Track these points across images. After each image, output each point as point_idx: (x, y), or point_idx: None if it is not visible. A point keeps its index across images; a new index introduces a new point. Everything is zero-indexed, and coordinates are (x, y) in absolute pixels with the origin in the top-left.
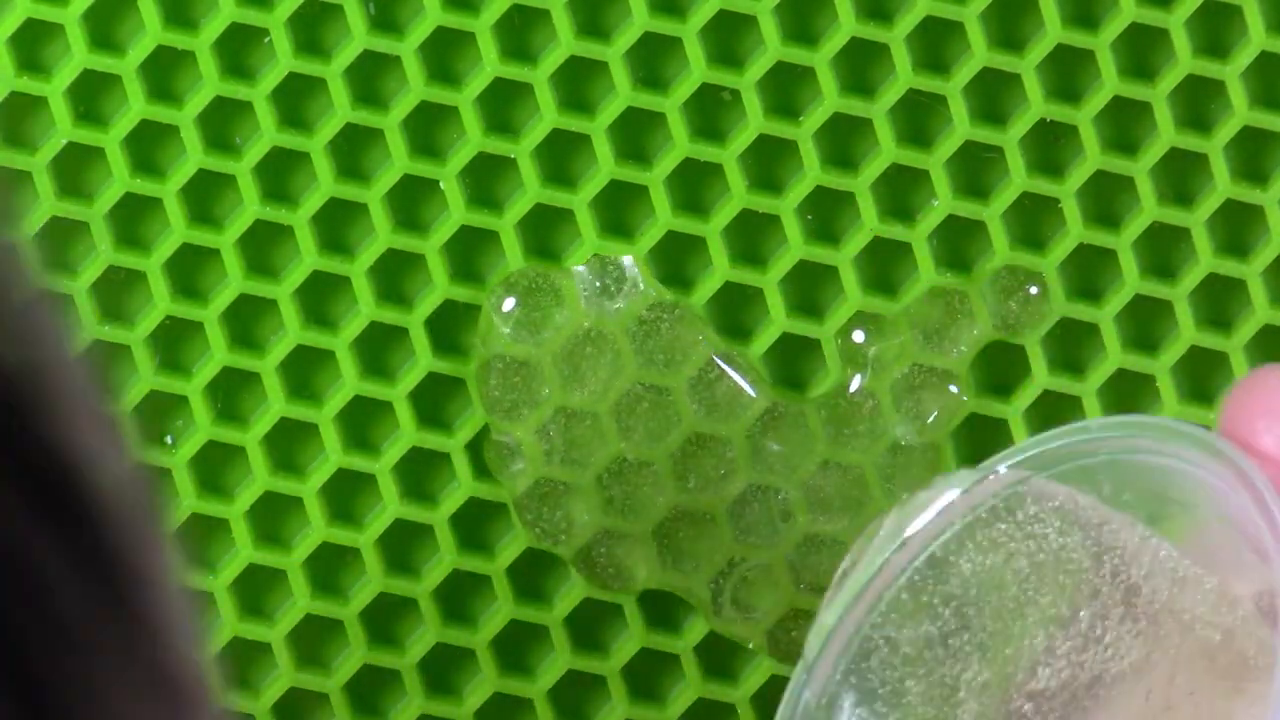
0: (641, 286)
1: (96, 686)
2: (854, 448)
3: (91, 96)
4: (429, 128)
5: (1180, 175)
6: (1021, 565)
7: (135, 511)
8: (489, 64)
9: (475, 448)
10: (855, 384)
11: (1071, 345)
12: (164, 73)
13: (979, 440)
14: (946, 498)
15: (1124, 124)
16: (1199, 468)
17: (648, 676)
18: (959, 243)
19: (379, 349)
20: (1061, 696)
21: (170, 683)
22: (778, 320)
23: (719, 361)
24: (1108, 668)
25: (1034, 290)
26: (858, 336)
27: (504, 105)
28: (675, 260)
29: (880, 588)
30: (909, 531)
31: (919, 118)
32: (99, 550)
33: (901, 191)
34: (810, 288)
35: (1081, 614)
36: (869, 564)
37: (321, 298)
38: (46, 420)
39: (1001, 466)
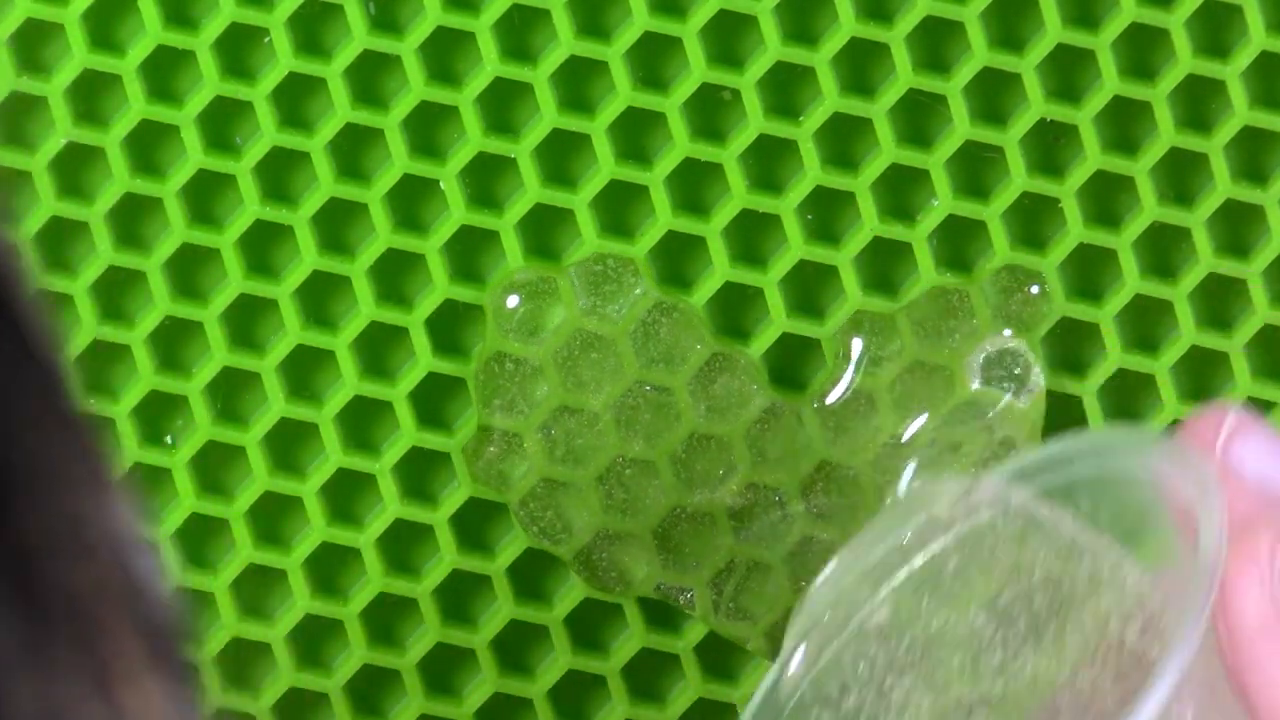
0: (641, 287)
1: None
2: (852, 448)
3: (91, 96)
4: (429, 128)
5: (1180, 175)
6: (995, 580)
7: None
8: (489, 64)
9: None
10: (843, 386)
11: (1071, 345)
12: (164, 73)
13: None
14: (928, 510)
15: (1124, 124)
16: (1165, 479)
17: (648, 676)
18: (959, 243)
19: (379, 349)
20: (1013, 701)
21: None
22: (778, 320)
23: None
24: (1058, 684)
25: (1034, 290)
26: (856, 336)
27: (504, 105)
28: (675, 260)
29: (861, 597)
30: (890, 543)
31: (919, 118)
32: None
33: (901, 191)
34: (810, 288)
35: (1048, 629)
36: (848, 569)
37: (321, 298)
38: None
39: (990, 481)
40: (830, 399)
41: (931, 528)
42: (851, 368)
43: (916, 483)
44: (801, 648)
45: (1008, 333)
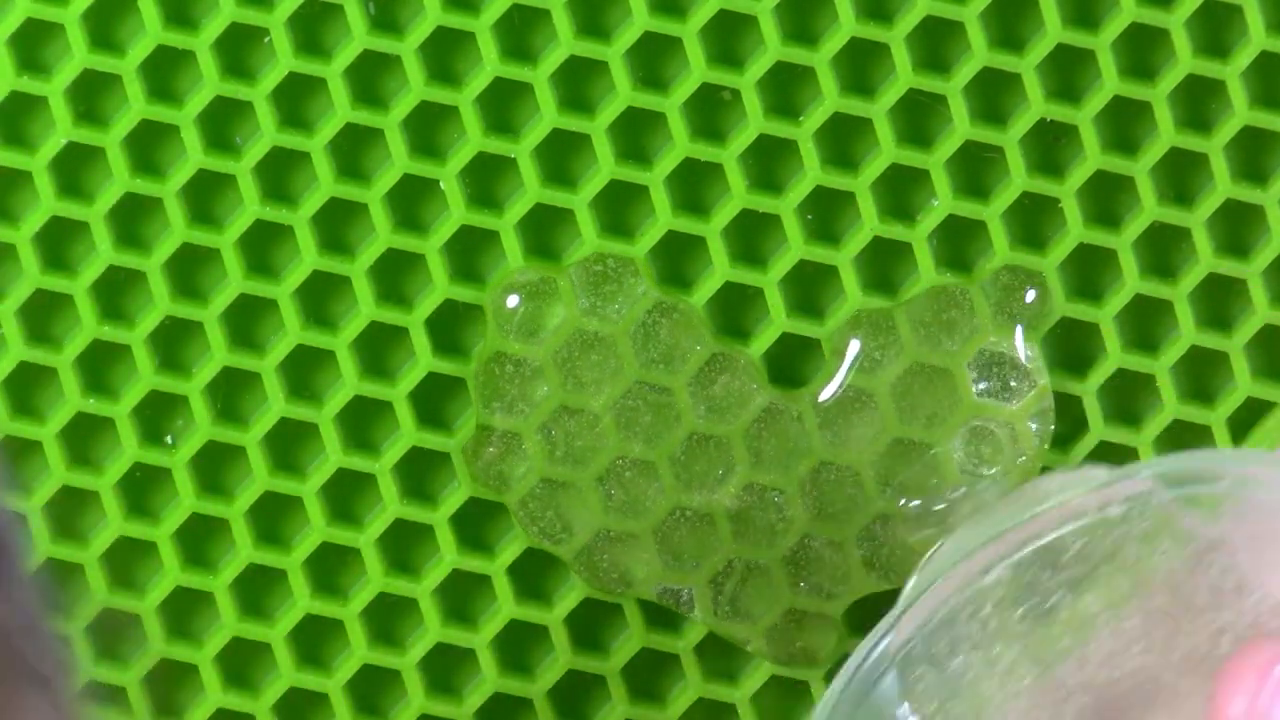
0: (642, 287)
1: None
2: (850, 447)
3: (91, 96)
4: (429, 128)
5: (1180, 175)
6: (1116, 572)
7: None
8: (489, 64)
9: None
10: (836, 384)
11: (1072, 345)
12: (164, 73)
13: None
14: (1072, 492)
15: (1124, 124)
16: None
17: (648, 676)
18: (959, 243)
19: (379, 349)
20: (1113, 694)
21: None
22: (778, 320)
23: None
24: (1159, 683)
25: (1033, 291)
26: (855, 335)
27: (504, 105)
28: (675, 260)
29: (984, 563)
30: (1020, 518)
31: (919, 118)
32: None
33: (901, 191)
34: (810, 288)
35: (1160, 630)
36: (980, 534)
37: (321, 298)
38: None
39: (1133, 477)
40: (823, 396)
41: (1063, 511)
42: (845, 366)
43: (1057, 471)
44: (920, 602)
45: (1020, 328)
